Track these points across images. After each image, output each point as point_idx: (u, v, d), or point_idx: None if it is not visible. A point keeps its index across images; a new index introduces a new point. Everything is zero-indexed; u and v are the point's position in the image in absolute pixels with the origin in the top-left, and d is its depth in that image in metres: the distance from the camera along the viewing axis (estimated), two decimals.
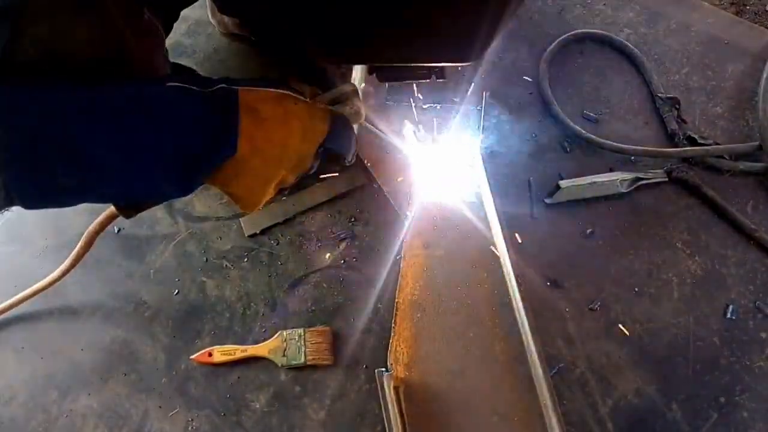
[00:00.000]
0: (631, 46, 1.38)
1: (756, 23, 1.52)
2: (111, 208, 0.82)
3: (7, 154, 0.52)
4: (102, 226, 0.88)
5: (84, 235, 0.91)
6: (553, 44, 1.37)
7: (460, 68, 1.07)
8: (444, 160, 1.19)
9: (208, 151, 0.63)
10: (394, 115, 1.18)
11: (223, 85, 0.65)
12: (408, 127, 1.17)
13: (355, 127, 0.80)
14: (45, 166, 0.55)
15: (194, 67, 1.06)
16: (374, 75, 0.94)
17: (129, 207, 0.71)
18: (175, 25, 0.97)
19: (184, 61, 1.28)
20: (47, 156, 0.54)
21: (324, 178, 1.18)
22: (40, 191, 0.57)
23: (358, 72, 1.08)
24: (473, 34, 0.72)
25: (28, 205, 0.58)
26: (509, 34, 1.39)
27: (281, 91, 0.70)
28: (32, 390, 1.05)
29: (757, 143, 1.26)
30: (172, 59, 0.89)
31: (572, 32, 1.39)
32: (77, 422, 1.02)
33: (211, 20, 1.35)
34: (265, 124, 0.67)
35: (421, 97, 1.11)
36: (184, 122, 0.61)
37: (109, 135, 0.57)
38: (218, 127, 0.63)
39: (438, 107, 1.20)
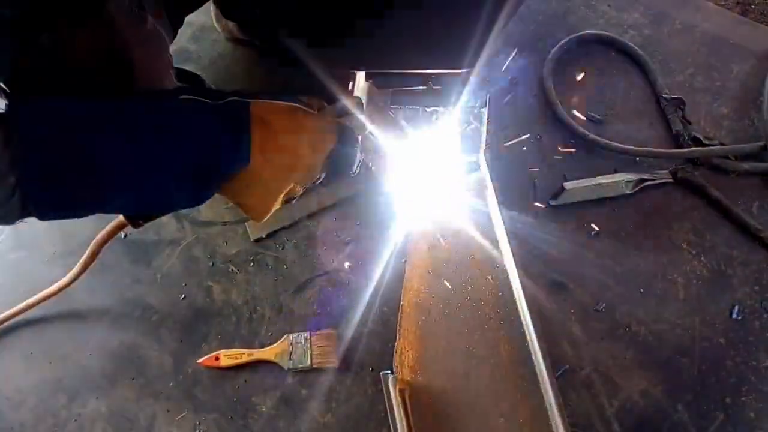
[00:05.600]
0: (636, 47, 1.38)
1: (761, 23, 1.51)
2: (119, 218, 0.83)
3: (25, 165, 0.53)
4: (110, 236, 0.88)
5: (91, 245, 0.92)
6: (558, 46, 1.37)
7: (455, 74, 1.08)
8: (446, 163, 1.19)
9: (220, 162, 0.64)
10: (396, 120, 1.18)
11: (235, 97, 0.66)
12: (410, 131, 1.17)
13: (360, 137, 0.81)
14: (61, 177, 0.55)
15: (199, 73, 1.06)
16: (372, 81, 0.95)
17: (138, 217, 0.72)
18: (179, 30, 0.98)
19: (188, 67, 1.29)
20: (63, 168, 0.55)
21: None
22: (55, 202, 0.57)
23: (360, 84, 1.09)
24: (465, 41, 0.73)
25: (44, 216, 0.58)
26: (513, 36, 1.39)
27: (291, 103, 0.71)
28: (41, 394, 1.05)
29: (762, 143, 1.26)
30: (176, 65, 0.90)
31: (576, 34, 1.39)
32: (86, 426, 1.03)
33: (216, 25, 1.36)
34: (276, 136, 0.67)
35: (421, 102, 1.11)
36: (198, 134, 0.62)
37: (123, 147, 0.58)
38: (231, 139, 0.64)
39: (440, 110, 1.20)
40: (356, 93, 1.10)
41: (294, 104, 0.71)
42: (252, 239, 1.16)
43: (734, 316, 1.13)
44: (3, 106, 0.52)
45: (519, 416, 1.01)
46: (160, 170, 0.61)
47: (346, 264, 1.15)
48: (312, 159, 0.73)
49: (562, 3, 1.47)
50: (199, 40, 1.37)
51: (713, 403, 1.07)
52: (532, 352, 1.02)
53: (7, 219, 0.57)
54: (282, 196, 0.73)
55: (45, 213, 0.58)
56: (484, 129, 1.18)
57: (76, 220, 1.09)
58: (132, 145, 0.58)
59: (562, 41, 1.37)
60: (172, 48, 0.85)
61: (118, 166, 0.58)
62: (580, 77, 1.35)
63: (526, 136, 1.27)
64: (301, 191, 0.77)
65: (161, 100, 0.62)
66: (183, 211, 1.19)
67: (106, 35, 0.62)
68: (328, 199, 1.19)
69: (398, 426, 0.97)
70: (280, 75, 1.31)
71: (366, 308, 1.11)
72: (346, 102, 0.81)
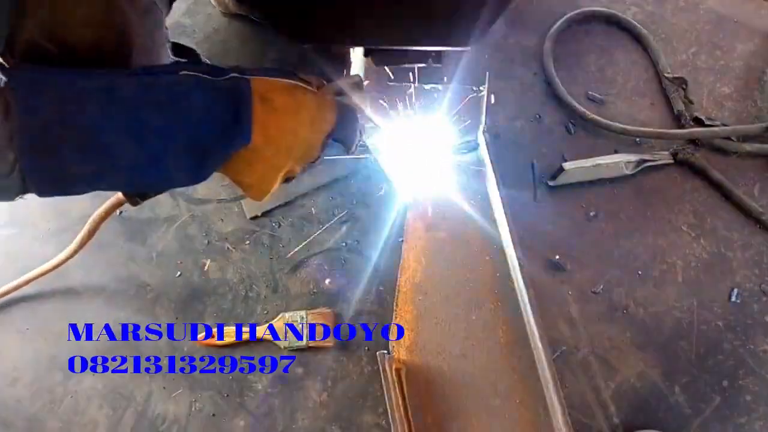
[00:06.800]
0: (638, 25, 1.36)
1: (767, 1, 1.48)
2: (117, 195, 0.82)
3: (24, 140, 0.52)
4: (107, 213, 0.88)
5: (89, 222, 0.91)
6: (558, 23, 1.34)
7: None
8: (444, 142, 1.18)
9: (221, 139, 0.63)
10: (395, 98, 1.17)
11: (235, 74, 0.64)
12: (407, 110, 1.16)
13: (359, 116, 0.80)
14: (61, 152, 0.54)
15: (194, 47, 1.04)
16: (371, 58, 0.93)
17: (136, 194, 0.71)
18: (174, 4, 0.95)
19: (183, 41, 1.27)
20: (63, 142, 0.54)
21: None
22: (54, 178, 0.56)
23: (359, 63, 1.07)
24: (468, 18, 0.71)
25: (43, 192, 0.57)
26: (513, 12, 1.37)
27: (291, 81, 0.69)
28: (37, 371, 1.06)
29: (765, 124, 1.24)
30: (171, 39, 0.88)
31: (578, 11, 1.36)
32: (82, 403, 1.03)
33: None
34: (277, 113, 0.66)
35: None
36: (198, 111, 0.61)
37: (123, 123, 0.57)
38: (232, 116, 0.63)
39: (439, 88, 1.18)
40: (355, 71, 1.09)
41: (294, 82, 0.70)
42: (248, 217, 1.16)
43: (733, 299, 1.13)
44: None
45: (515, 397, 1.01)
46: (159, 147, 0.60)
47: (343, 243, 1.14)
48: (312, 138, 0.72)
49: None
50: (194, 14, 1.35)
51: (710, 386, 1.07)
52: (529, 333, 1.02)
53: (7, 195, 0.56)
54: (282, 175, 0.72)
55: (44, 189, 0.57)
56: (483, 108, 1.17)
57: (69, 197, 1.08)
58: (131, 121, 0.57)
59: (562, 18, 1.35)
60: (167, 22, 0.83)
61: (117, 141, 0.57)
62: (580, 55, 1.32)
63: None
64: (299, 170, 0.76)
65: (161, 74, 0.61)
66: (179, 189, 1.19)
67: (103, 5, 0.61)
68: (325, 178, 1.17)
69: (394, 405, 0.97)
70: (275, 50, 1.29)
71: (362, 288, 1.11)
72: (346, 80, 0.79)
